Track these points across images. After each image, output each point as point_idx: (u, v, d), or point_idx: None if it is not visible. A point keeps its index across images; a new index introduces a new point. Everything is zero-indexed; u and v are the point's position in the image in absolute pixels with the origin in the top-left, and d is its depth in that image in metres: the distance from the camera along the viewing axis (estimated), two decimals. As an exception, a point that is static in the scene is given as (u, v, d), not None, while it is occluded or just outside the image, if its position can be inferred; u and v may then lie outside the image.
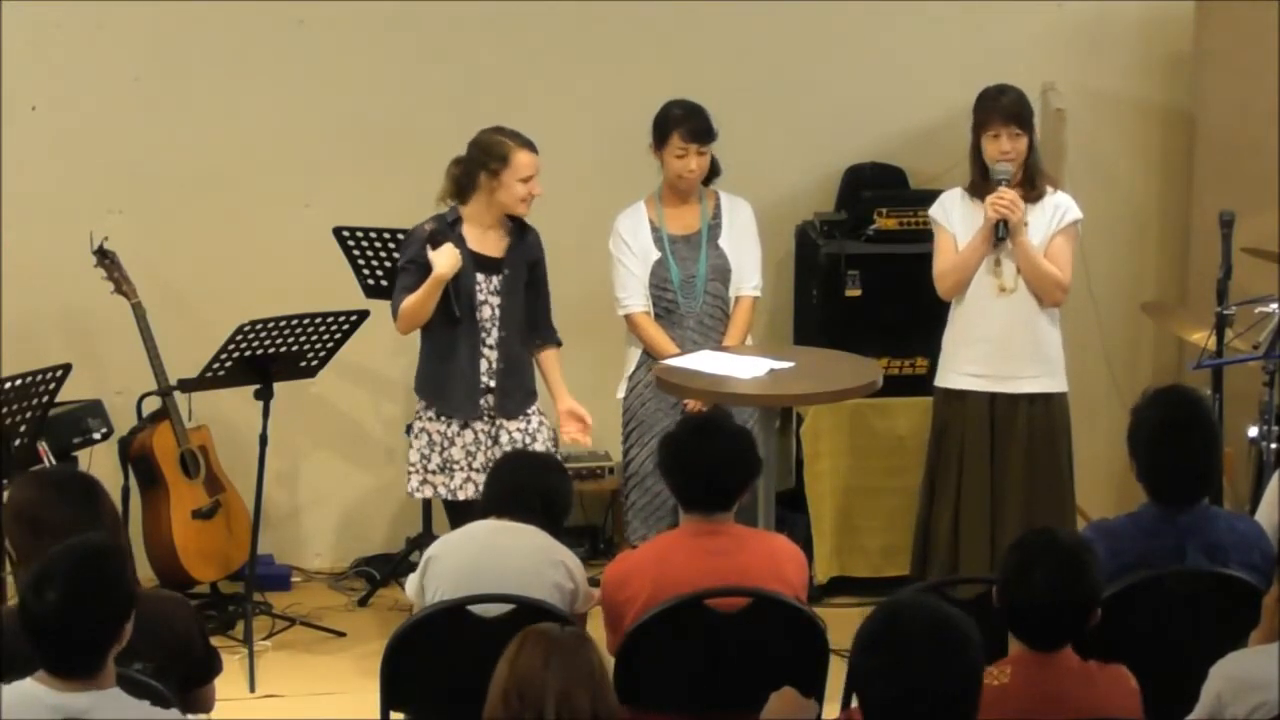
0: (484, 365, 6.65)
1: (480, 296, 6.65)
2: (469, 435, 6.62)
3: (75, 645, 3.98)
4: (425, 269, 6.53)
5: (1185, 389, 5.41)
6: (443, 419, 6.66)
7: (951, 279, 6.66)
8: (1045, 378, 6.65)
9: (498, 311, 6.65)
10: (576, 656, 3.81)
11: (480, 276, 6.63)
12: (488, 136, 6.62)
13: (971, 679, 3.78)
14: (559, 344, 6.81)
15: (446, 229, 6.57)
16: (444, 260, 6.49)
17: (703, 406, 6.54)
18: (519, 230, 6.69)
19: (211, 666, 4.68)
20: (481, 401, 6.65)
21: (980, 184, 6.62)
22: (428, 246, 6.52)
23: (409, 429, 7.51)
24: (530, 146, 6.60)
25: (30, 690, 4.01)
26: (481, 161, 6.59)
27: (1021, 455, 6.62)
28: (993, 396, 6.63)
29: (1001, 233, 6.53)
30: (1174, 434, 5.02)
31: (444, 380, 6.65)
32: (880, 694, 3.75)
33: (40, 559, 4.12)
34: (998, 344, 6.60)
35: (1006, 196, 6.51)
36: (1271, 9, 7.50)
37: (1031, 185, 6.62)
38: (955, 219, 6.67)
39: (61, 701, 3.98)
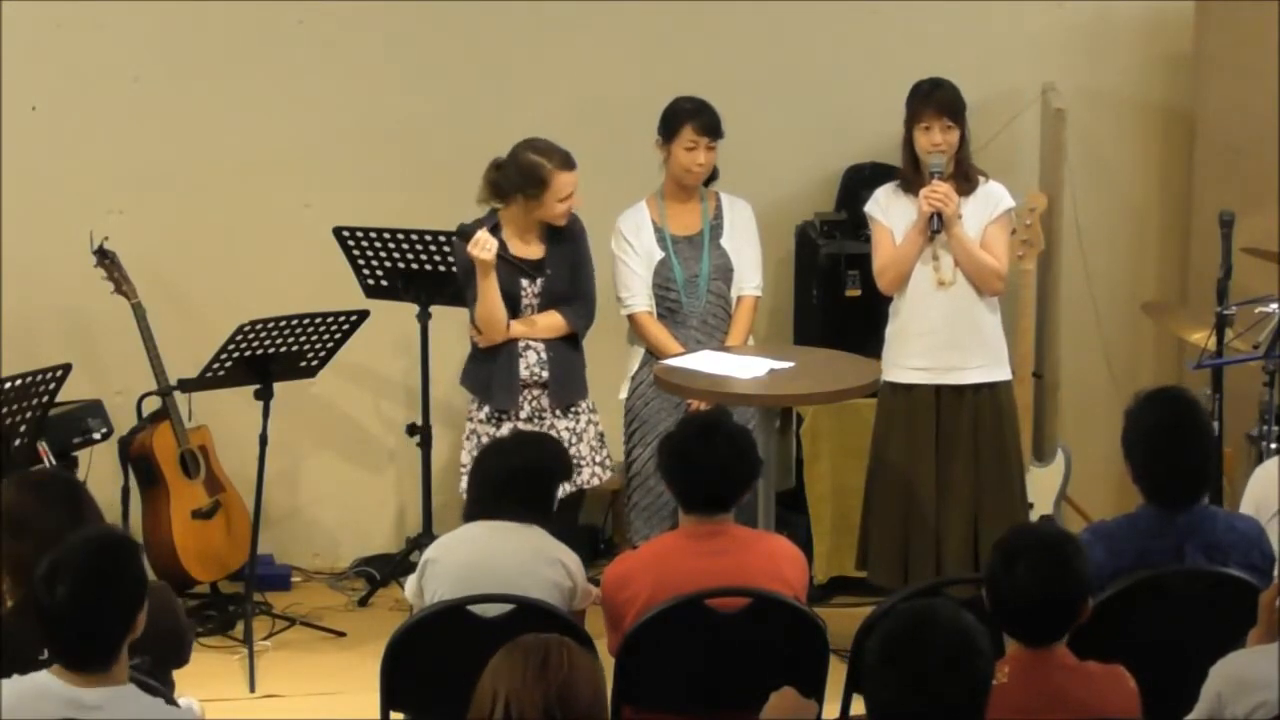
0: (532, 358, 6.64)
1: (525, 300, 6.65)
2: None
3: (87, 639, 3.98)
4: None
5: (1177, 390, 5.40)
6: (493, 421, 6.64)
7: (890, 274, 6.68)
8: (989, 366, 6.68)
9: (538, 313, 6.67)
10: (559, 673, 3.68)
11: (524, 282, 6.63)
12: (526, 159, 6.56)
13: (983, 688, 3.80)
14: (571, 324, 6.71)
15: (461, 238, 6.55)
16: (480, 250, 6.47)
17: (704, 406, 6.54)
18: (556, 226, 6.68)
19: (182, 652, 4.67)
20: (531, 398, 6.64)
21: (913, 177, 6.64)
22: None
23: (410, 429, 7.54)
24: (569, 165, 6.57)
25: (43, 682, 4.01)
26: (519, 185, 6.56)
27: (968, 446, 6.64)
28: (938, 389, 6.65)
29: (936, 225, 6.55)
30: (1167, 436, 5.02)
31: (487, 376, 6.65)
32: (895, 701, 3.75)
33: (25, 560, 4.14)
34: (940, 336, 6.62)
35: (940, 189, 6.54)
36: (1271, 9, 7.50)
37: (965, 178, 6.65)
38: (891, 214, 6.69)
39: (74, 695, 3.97)
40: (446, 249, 7.13)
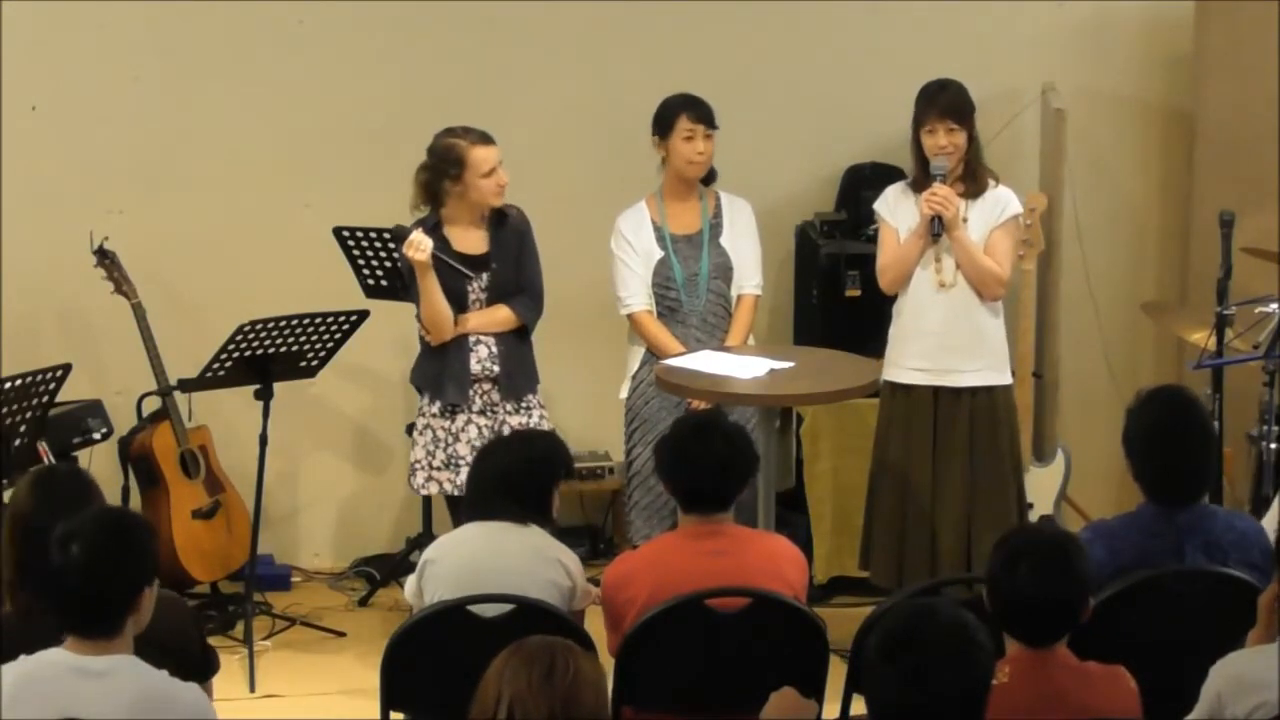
0: (483, 352, 6.66)
1: (472, 295, 6.68)
2: (473, 430, 6.63)
3: (94, 601, 4.08)
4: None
5: (1178, 389, 5.41)
6: (446, 415, 6.67)
7: (891, 274, 6.68)
8: (987, 370, 6.66)
9: (486, 307, 6.69)
10: (564, 679, 3.67)
11: (469, 278, 6.65)
12: (440, 143, 6.63)
13: (984, 684, 3.79)
14: (520, 317, 6.73)
15: (395, 240, 6.59)
16: (414, 251, 6.50)
17: (704, 405, 6.54)
18: (498, 219, 6.71)
19: (208, 664, 4.69)
20: (482, 392, 6.66)
21: (922, 178, 6.64)
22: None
23: (409, 429, 7.53)
24: (484, 140, 6.61)
25: (51, 654, 4.10)
26: (441, 170, 6.61)
27: (963, 448, 6.64)
28: (936, 390, 6.65)
29: (937, 228, 6.55)
30: (1168, 435, 5.03)
31: (438, 371, 6.68)
32: (896, 700, 3.74)
33: (20, 557, 4.19)
34: (939, 338, 6.62)
35: (940, 193, 6.53)
36: (1271, 9, 7.50)
37: (973, 180, 6.64)
38: (898, 213, 6.69)
39: (82, 663, 4.06)
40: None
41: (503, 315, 6.71)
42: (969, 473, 6.64)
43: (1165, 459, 5.02)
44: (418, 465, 6.72)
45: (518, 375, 6.71)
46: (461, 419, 6.67)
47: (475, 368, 6.67)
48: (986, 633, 3.81)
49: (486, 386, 6.69)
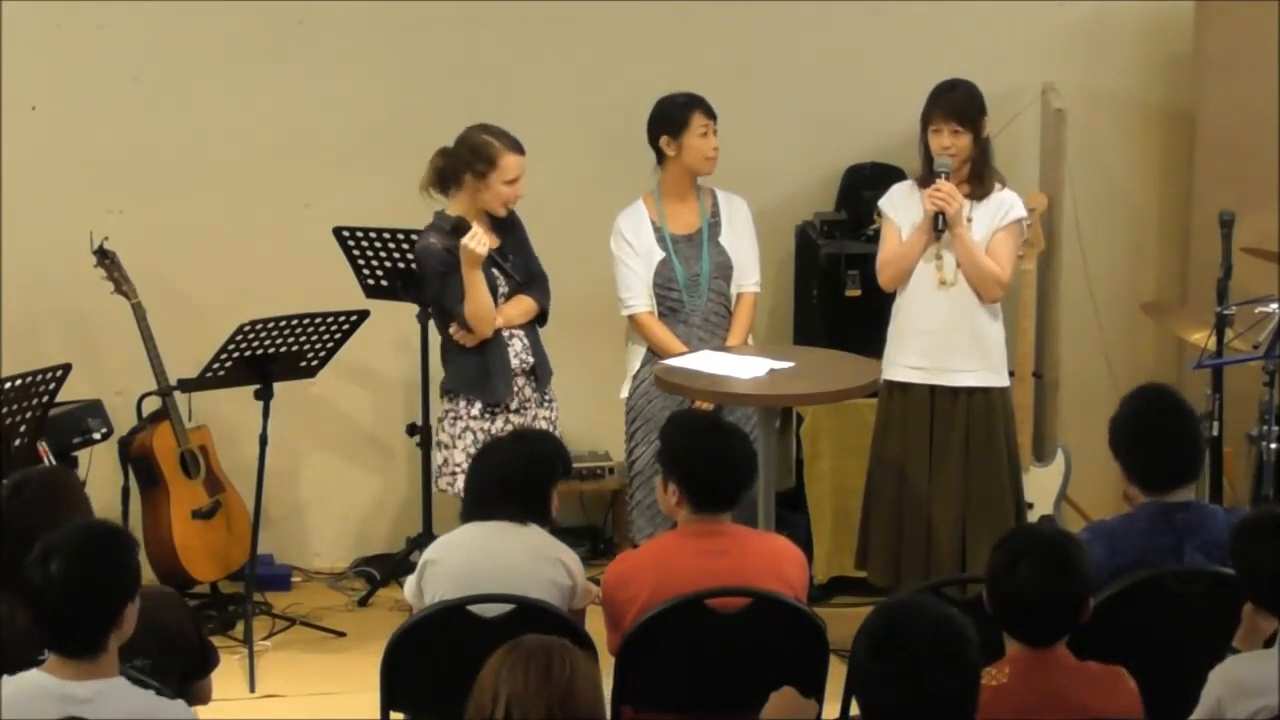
0: (518, 345, 6.68)
1: (500, 290, 6.68)
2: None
3: (76, 621, 4.02)
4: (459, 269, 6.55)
5: (1157, 386, 5.47)
6: (487, 416, 6.65)
7: (891, 270, 6.68)
8: (984, 371, 6.66)
9: (507, 301, 6.70)
10: (561, 677, 3.68)
11: (495, 271, 6.66)
12: (475, 137, 6.63)
13: (972, 680, 3.79)
14: (540, 304, 6.75)
15: (452, 233, 6.56)
16: (478, 244, 6.48)
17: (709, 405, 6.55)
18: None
19: (207, 659, 4.68)
20: (519, 387, 6.66)
21: (928, 177, 6.64)
22: (447, 249, 6.52)
23: (410, 429, 7.53)
24: (517, 148, 6.61)
25: (35, 679, 4.05)
26: (468, 163, 6.60)
27: (960, 448, 6.64)
28: (933, 389, 6.65)
29: (940, 224, 6.55)
30: (1146, 424, 5.09)
31: (480, 370, 6.65)
32: (884, 698, 3.74)
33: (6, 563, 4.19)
34: (937, 336, 6.62)
35: (943, 189, 6.54)
36: (1271, 9, 7.50)
37: (979, 181, 6.64)
38: (902, 210, 6.69)
39: (66, 690, 4.01)
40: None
41: (528, 305, 6.73)
42: (965, 473, 6.65)
43: (1147, 446, 5.07)
44: (458, 468, 6.67)
45: (544, 364, 6.76)
46: (500, 420, 6.65)
47: (514, 362, 6.67)
48: (971, 626, 3.80)
49: (521, 381, 6.69)
